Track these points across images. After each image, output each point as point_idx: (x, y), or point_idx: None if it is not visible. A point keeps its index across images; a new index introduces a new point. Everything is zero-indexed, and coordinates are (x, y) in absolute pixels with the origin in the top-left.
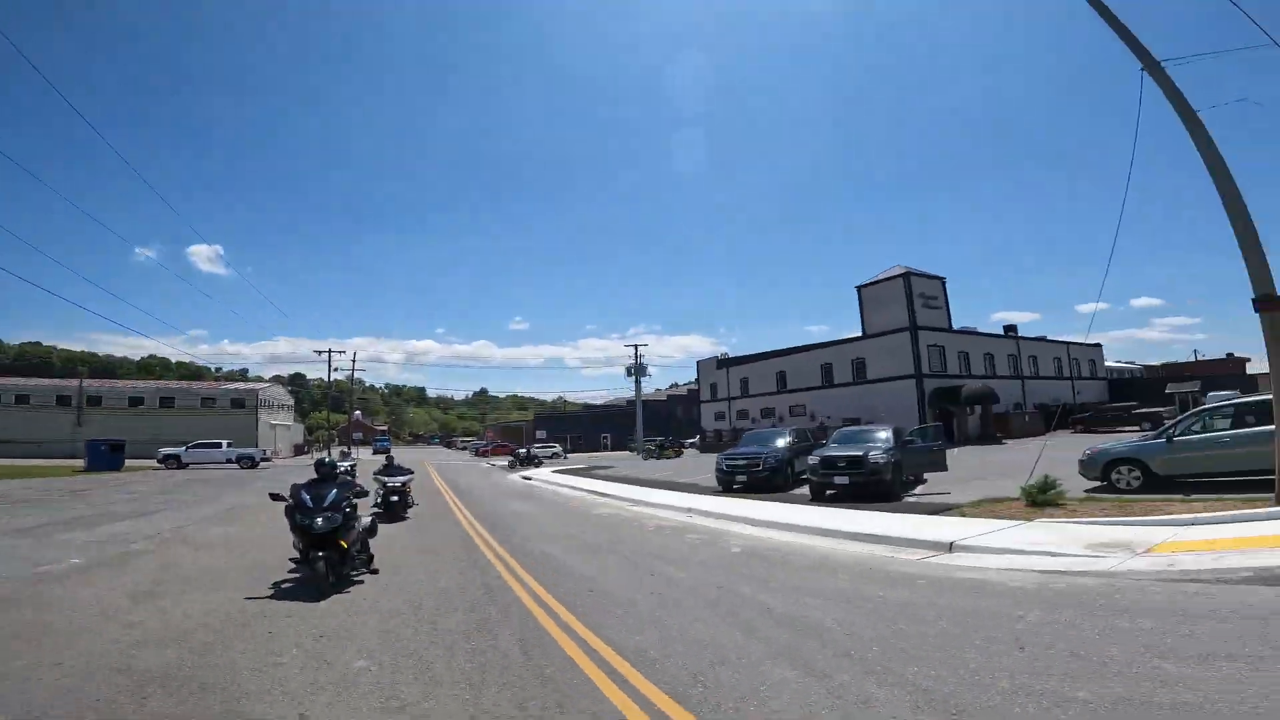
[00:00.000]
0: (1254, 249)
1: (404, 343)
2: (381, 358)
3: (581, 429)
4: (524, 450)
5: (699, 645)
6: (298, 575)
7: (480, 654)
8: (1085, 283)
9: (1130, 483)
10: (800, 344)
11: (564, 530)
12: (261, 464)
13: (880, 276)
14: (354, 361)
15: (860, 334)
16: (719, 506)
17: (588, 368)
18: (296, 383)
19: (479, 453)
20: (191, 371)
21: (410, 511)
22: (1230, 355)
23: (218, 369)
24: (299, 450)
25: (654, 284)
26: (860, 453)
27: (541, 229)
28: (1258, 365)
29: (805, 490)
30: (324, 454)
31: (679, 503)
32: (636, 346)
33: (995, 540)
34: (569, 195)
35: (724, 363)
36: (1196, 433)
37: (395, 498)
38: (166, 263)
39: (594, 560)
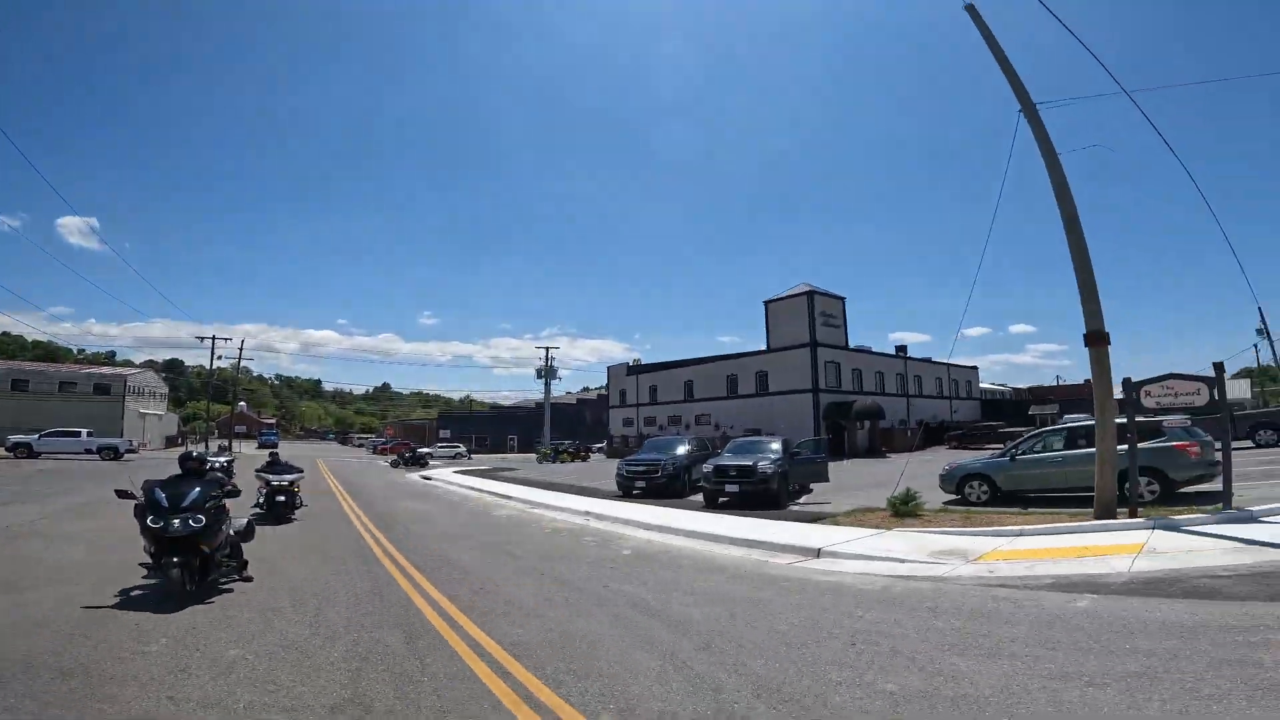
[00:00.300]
0: (1089, 289)
1: (300, 332)
2: (273, 346)
3: (488, 430)
4: (411, 449)
5: (577, 638)
6: (154, 581)
7: (362, 645)
8: (972, 309)
9: (980, 496)
10: (709, 354)
11: (460, 530)
12: (127, 455)
13: (786, 293)
14: (240, 349)
15: (765, 348)
16: (617, 510)
17: (499, 367)
18: (173, 369)
19: (378, 450)
20: (49, 352)
21: (299, 513)
22: (1087, 380)
23: (80, 351)
24: (172, 442)
25: (572, 287)
26: (750, 462)
27: (460, 221)
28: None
29: (701, 497)
30: (193, 447)
31: (578, 506)
32: (547, 349)
33: (856, 547)
34: (492, 188)
35: (634, 369)
36: (1036, 452)
37: (281, 498)
38: (30, 233)
39: (487, 560)
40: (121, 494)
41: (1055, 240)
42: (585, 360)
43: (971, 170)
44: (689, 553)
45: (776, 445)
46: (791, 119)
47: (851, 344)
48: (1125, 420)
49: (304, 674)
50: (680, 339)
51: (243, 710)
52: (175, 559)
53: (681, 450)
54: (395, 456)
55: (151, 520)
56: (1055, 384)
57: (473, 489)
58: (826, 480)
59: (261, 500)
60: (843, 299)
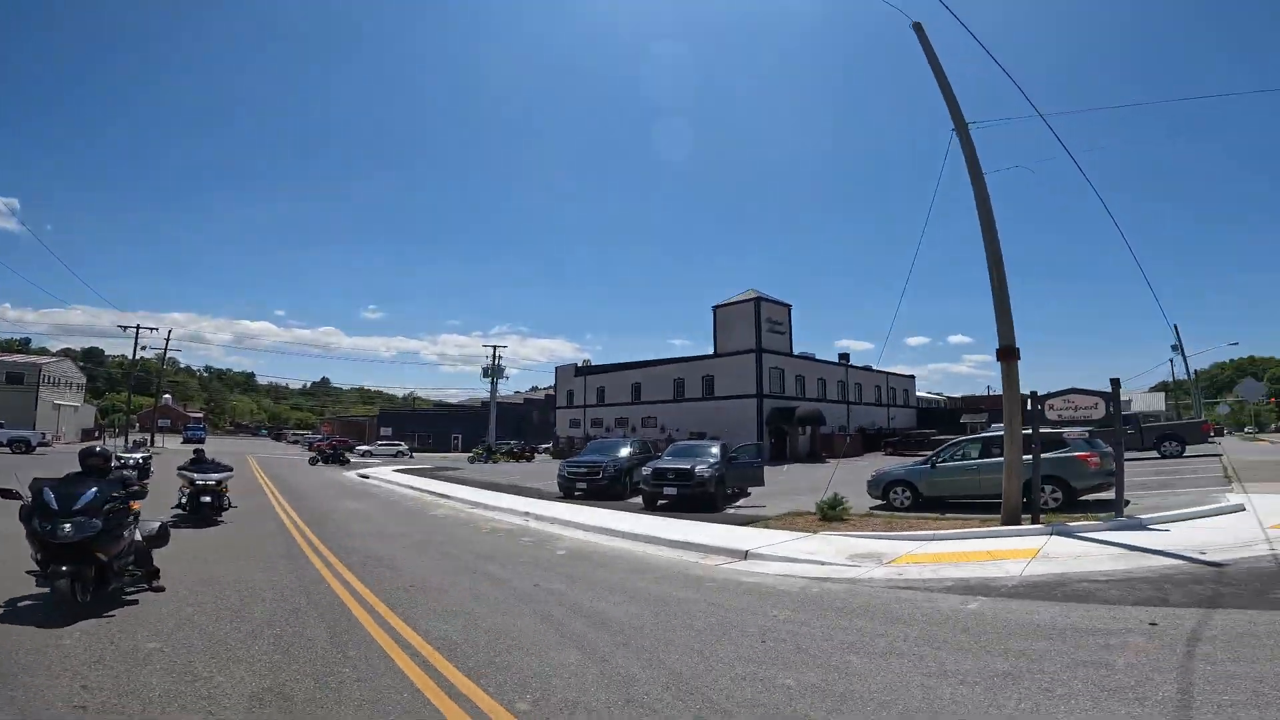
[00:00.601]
0: (1003, 306)
1: (234, 323)
2: (203, 337)
3: (432, 428)
4: (332, 446)
5: (501, 633)
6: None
7: (284, 639)
8: (914, 318)
9: (903, 502)
10: (658, 357)
11: (395, 529)
12: (39, 448)
13: (734, 299)
14: (167, 339)
15: (712, 352)
16: (556, 511)
17: (446, 364)
18: (92, 359)
19: (313, 448)
20: None
21: (228, 514)
22: (1033, 393)
23: None
24: (88, 435)
25: (524, 285)
26: (689, 466)
27: (409, 213)
28: None
29: (641, 499)
30: (97, 443)
31: (519, 506)
32: (495, 347)
33: (782, 550)
34: (444, 181)
35: (582, 370)
36: (955, 460)
37: (206, 498)
38: None
39: (420, 558)
40: (5, 494)
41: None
42: (535, 360)
43: (925, 183)
44: (623, 553)
45: (715, 449)
46: (747, 128)
47: (796, 351)
48: (1031, 431)
49: (223, 665)
50: (632, 340)
51: (158, 698)
52: (64, 567)
53: (624, 452)
54: (314, 453)
55: (38, 524)
56: (987, 394)
57: (412, 488)
58: (762, 484)
59: (184, 501)
60: (789, 306)
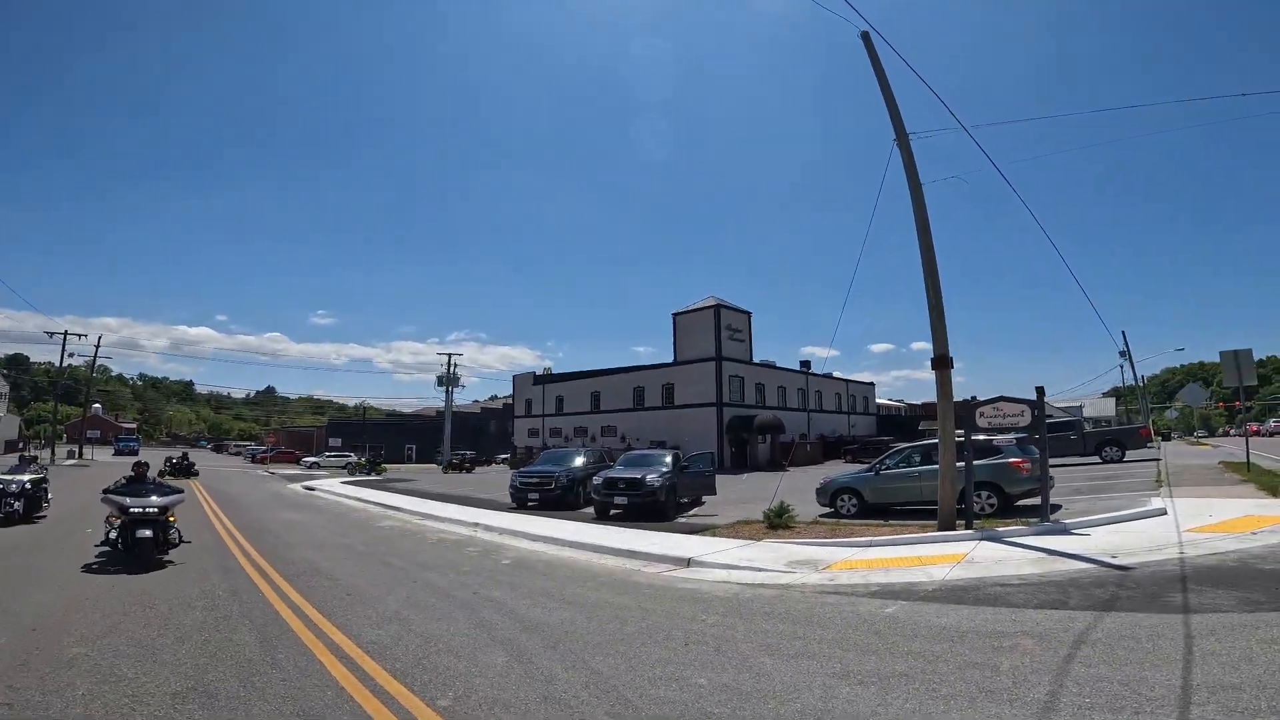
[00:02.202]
0: (939, 314)
1: (171, 328)
2: (137, 343)
3: (384, 439)
4: (184, 456)
5: (433, 638)
6: None
7: (212, 643)
8: (877, 325)
9: (850, 509)
10: (619, 365)
11: (337, 540)
12: None
13: (693, 306)
14: (97, 345)
15: (672, 360)
16: (506, 522)
17: (400, 372)
18: (15, 366)
19: (257, 459)
20: None
21: (177, 553)
22: (973, 398)
23: None
24: (11, 447)
25: (482, 290)
26: (639, 475)
27: (361, 214)
28: None
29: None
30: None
31: (468, 518)
32: (450, 355)
33: (725, 557)
34: (398, 182)
35: (540, 379)
36: (898, 468)
37: (145, 531)
38: None
39: (360, 568)
40: None
41: (954, 264)
42: (495, 367)
43: (888, 190)
44: (567, 562)
45: (668, 459)
46: (715, 135)
47: (757, 359)
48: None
49: (148, 668)
50: (595, 347)
51: (81, 697)
52: None
53: (578, 462)
54: (162, 465)
55: None
56: None
57: (359, 500)
58: (714, 493)
59: (113, 536)
60: (749, 314)
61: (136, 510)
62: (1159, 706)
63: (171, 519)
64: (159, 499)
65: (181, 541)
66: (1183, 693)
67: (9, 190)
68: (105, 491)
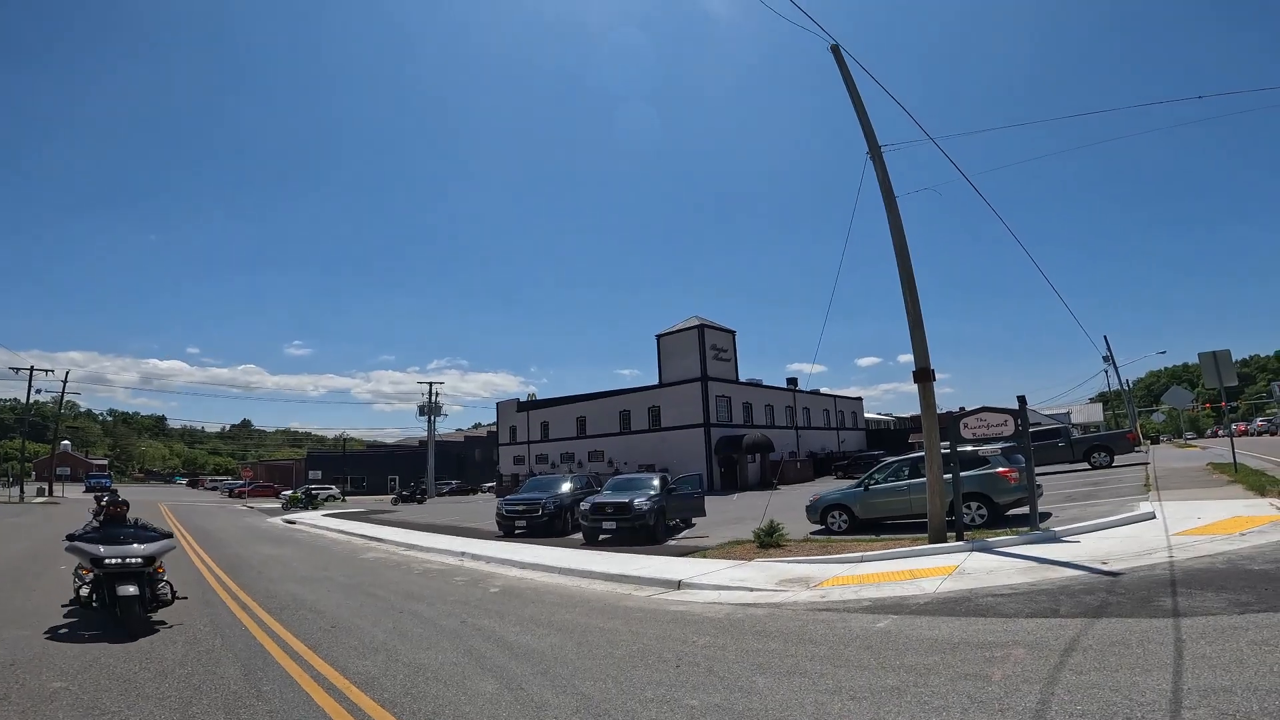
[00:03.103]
0: (918, 327)
1: (140, 362)
2: (105, 378)
3: (366, 470)
4: (113, 498)
5: (420, 668)
6: None
7: (196, 677)
8: (865, 339)
9: (840, 525)
10: (603, 389)
11: (320, 574)
12: None
13: (677, 327)
14: (65, 380)
15: (657, 382)
16: (494, 550)
17: (380, 402)
18: None
19: (234, 493)
20: None
21: (168, 612)
22: (961, 408)
23: None
24: None
25: (463, 317)
26: (627, 500)
27: (336, 242)
28: None
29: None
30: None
31: (455, 547)
32: (431, 384)
33: (715, 579)
34: (373, 208)
35: (525, 405)
36: (887, 482)
37: (130, 589)
38: None
39: (345, 600)
40: None
41: (936, 275)
42: (478, 395)
43: (867, 204)
44: (556, 589)
45: (655, 482)
46: (698, 153)
47: (744, 377)
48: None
49: (131, 702)
50: (579, 371)
51: (81, 668)
52: None
53: (565, 488)
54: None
55: None
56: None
57: (342, 532)
58: (703, 514)
59: (85, 594)
60: (733, 332)
61: (114, 562)
62: (1150, 711)
63: (159, 570)
64: (143, 547)
65: (175, 598)
66: (1174, 697)
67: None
68: (72, 538)
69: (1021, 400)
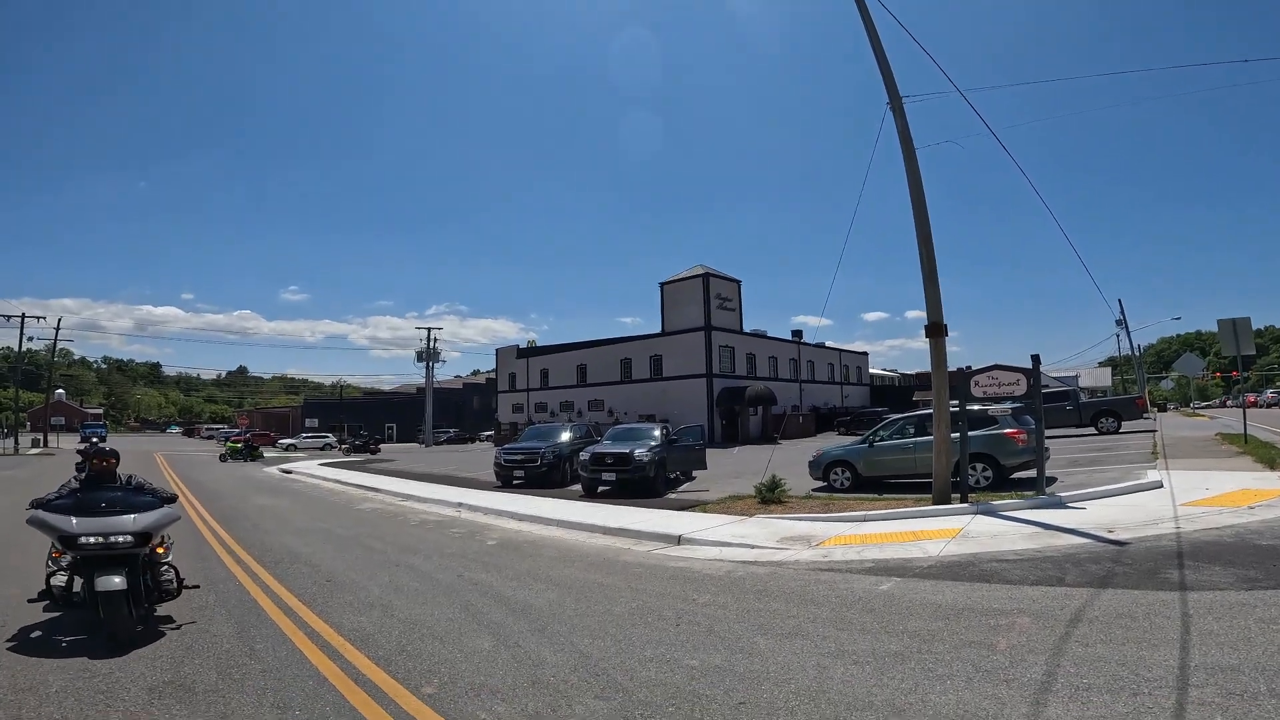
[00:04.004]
0: (932, 281)
1: (134, 308)
2: (99, 325)
3: (363, 418)
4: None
5: (416, 624)
6: None
7: (189, 635)
8: (871, 293)
9: (843, 482)
10: (605, 337)
11: (316, 525)
12: None
13: (682, 275)
14: (57, 327)
15: (660, 331)
16: (491, 502)
17: (378, 349)
18: None
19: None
20: None
21: (173, 606)
22: (968, 367)
23: None
24: None
25: (462, 262)
26: (628, 450)
27: (332, 185)
28: None
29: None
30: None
31: (452, 498)
32: (429, 329)
33: (716, 534)
34: (370, 151)
35: (524, 352)
36: (892, 439)
37: (115, 579)
38: None
39: (340, 553)
40: None
41: (950, 232)
42: (477, 341)
43: (881, 158)
44: (554, 542)
45: (656, 432)
46: (703, 102)
47: (748, 328)
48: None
49: (122, 662)
50: (580, 319)
51: (54, 694)
52: None
53: (564, 437)
54: (236, 445)
55: None
56: None
57: (339, 483)
58: (704, 467)
59: (61, 584)
60: (738, 282)
61: (92, 541)
62: (1157, 688)
63: (161, 550)
64: (135, 519)
65: (182, 588)
66: (1181, 674)
67: None
68: (37, 505)
69: (1035, 359)
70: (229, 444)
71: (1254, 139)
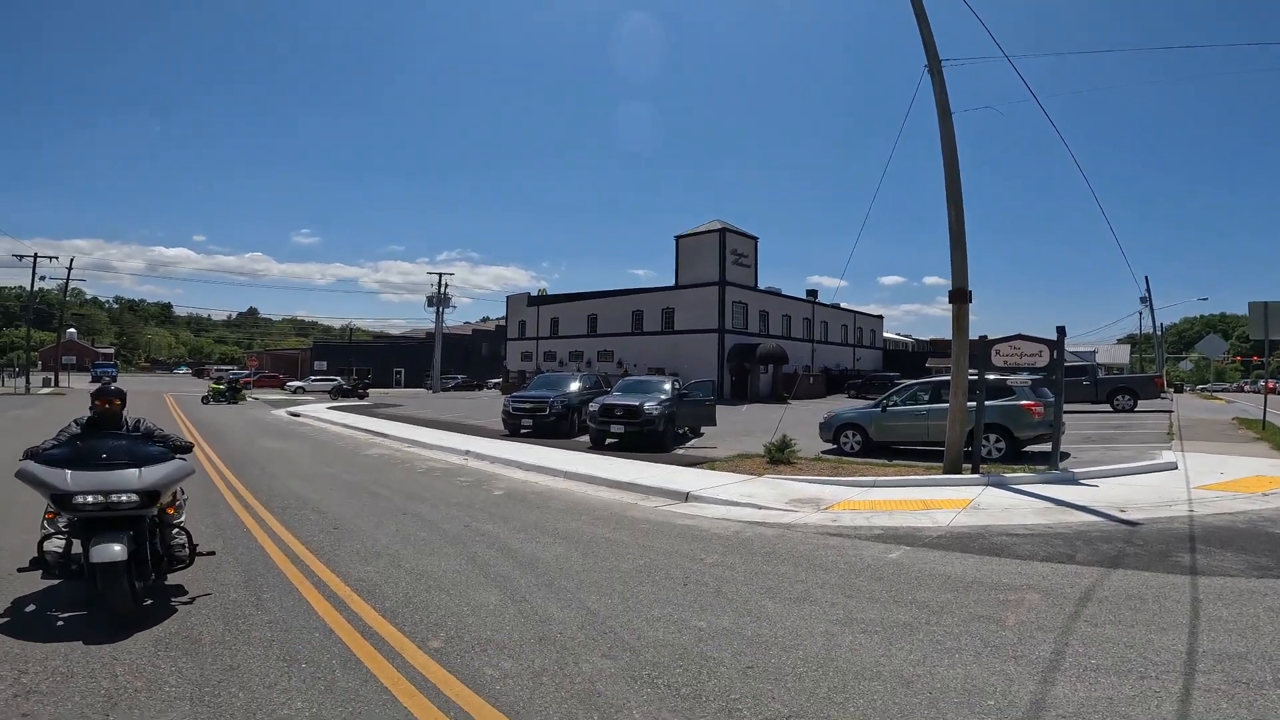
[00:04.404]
0: (959, 246)
1: (146, 249)
2: (111, 265)
3: (372, 361)
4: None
5: (423, 575)
6: None
7: (195, 585)
8: (889, 257)
9: (853, 446)
10: (617, 288)
11: (323, 470)
12: None
13: (698, 229)
14: (70, 267)
15: (673, 284)
16: (498, 450)
17: (388, 293)
18: None
19: (240, 384)
20: None
21: (188, 575)
22: (984, 337)
23: None
24: None
25: (475, 208)
26: (638, 403)
27: (345, 129)
28: None
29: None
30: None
31: (459, 445)
32: (440, 275)
33: (724, 493)
34: (385, 95)
35: (535, 300)
36: (905, 405)
37: (115, 547)
38: None
39: (347, 500)
40: None
41: (973, 201)
42: (488, 288)
43: (911, 121)
44: (562, 494)
45: (667, 386)
46: (723, 50)
47: (762, 285)
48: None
49: (122, 646)
50: (592, 269)
51: (62, 648)
52: None
53: (573, 387)
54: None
55: None
56: None
57: (346, 426)
58: (714, 424)
59: (57, 551)
60: (755, 239)
61: (90, 501)
62: (1164, 672)
63: (171, 511)
64: (141, 474)
65: (195, 555)
66: (1188, 659)
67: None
68: (30, 455)
69: (1060, 331)
70: (211, 385)
71: None
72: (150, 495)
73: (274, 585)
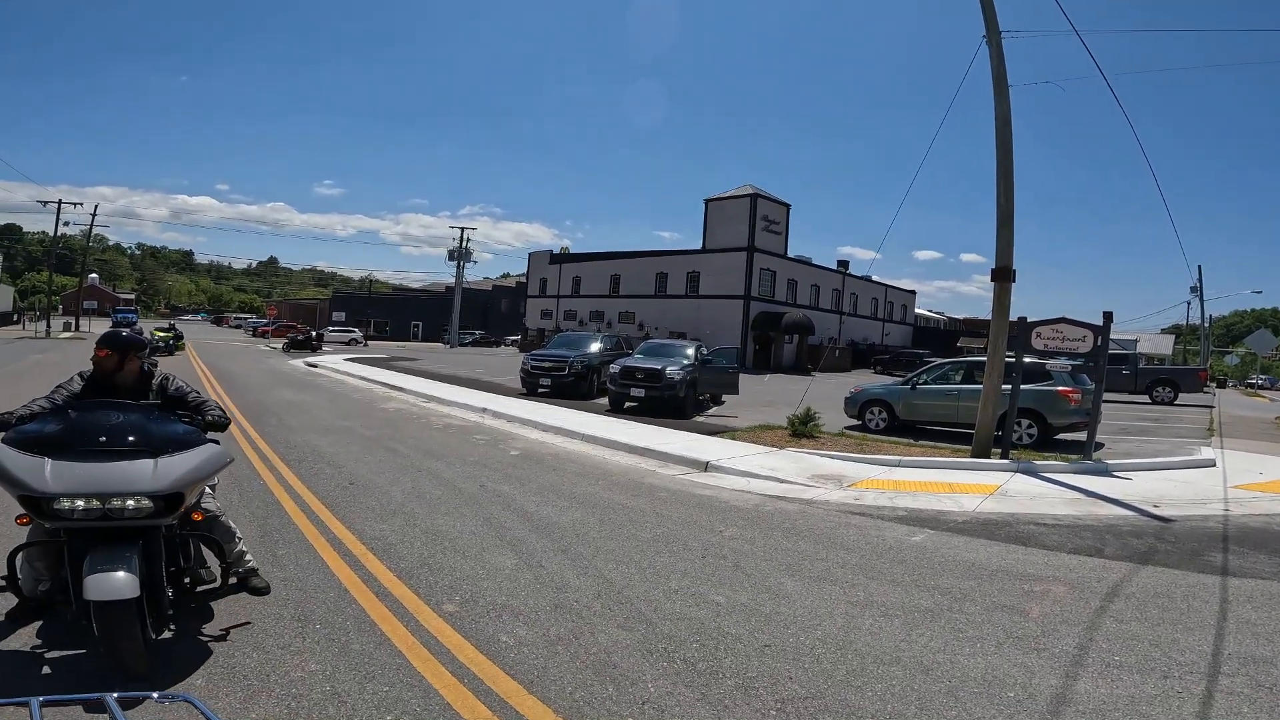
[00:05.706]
0: (1007, 224)
1: (170, 197)
2: (135, 212)
3: (390, 315)
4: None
5: (438, 534)
6: None
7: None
8: (925, 231)
9: (879, 423)
10: (641, 249)
11: (340, 424)
12: None
13: (729, 193)
14: (94, 213)
15: (700, 247)
16: (515, 409)
17: (408, 245)
18: (8, 235)
19: (258, 332)
20: None
21: (227, 603)
22: (1023, 318)
23: None
24: (5, 320)
25: (499, 163)
26: (659, 367)
27: (370, 81)
28: None
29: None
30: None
31: (476, 402)
32: (463, 229)
33: (744, 464)
34: (412, 47)
35: (557, 258)
36: (935, 384)
37: (117, 577)
38: None
39: (364, 455)
40: None
41: (1019, 176)
42: (509, 244)
43: (947, 95)
44: (579, 457)
45: (690, 350)
46: (763, 18)
47: (792, 254)
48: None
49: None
50: (616, 229)
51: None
52: None
53: (594, 347)
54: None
55: None
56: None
57: (363, 379)
58: (736, 392)
59: (31, 584)
60: (787, 206)
61: (79, 507)
62: (1188, 673)
63: (197, 517)
64: (159, 464)
65: (244, 582)
66: (1213, 661)
67: (7, 65)
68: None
69: (1107, 317)
70: (155, 331)
71: None
72: (170, 500)
73: (290, 540)
